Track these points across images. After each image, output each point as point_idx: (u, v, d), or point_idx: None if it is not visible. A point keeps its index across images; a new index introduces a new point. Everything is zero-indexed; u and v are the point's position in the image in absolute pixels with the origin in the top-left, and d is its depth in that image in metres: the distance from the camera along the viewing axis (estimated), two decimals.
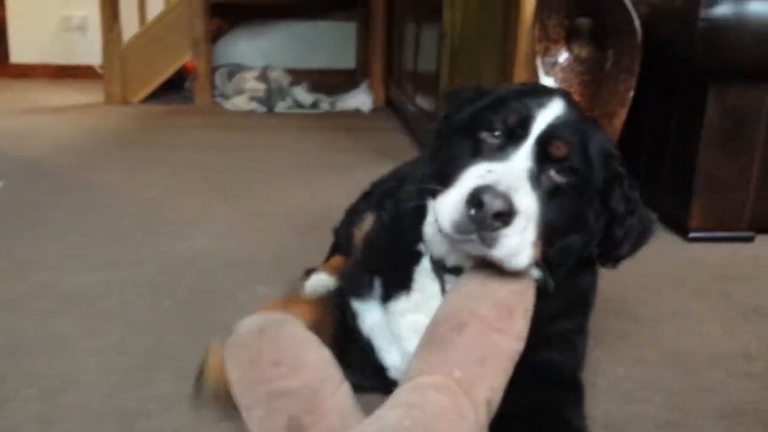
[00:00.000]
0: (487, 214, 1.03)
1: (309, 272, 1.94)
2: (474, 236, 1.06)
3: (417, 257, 1.30)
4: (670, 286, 2.08)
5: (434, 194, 1.19)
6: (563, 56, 2.60)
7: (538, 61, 2.58)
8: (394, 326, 1.31)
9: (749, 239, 2.49)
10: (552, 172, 1.15)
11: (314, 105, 5.37)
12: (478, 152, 1.18)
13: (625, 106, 2.42)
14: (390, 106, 5.45)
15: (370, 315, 1.36)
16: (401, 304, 1.30)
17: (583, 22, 2.61)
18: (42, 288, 1.90)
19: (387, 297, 1.32)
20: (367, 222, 1.87)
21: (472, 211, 1.04)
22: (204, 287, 1.93)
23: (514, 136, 1.16)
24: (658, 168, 2.69)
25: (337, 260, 1.98)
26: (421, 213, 1.29)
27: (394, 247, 1.34)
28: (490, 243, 1.06)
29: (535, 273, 1.23)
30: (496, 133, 1.18)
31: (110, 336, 1.63)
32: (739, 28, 2.19)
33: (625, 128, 2.54)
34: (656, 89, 2.69)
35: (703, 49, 2.23)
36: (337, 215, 2.11)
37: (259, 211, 2.69)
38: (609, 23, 2.49)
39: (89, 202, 2.74)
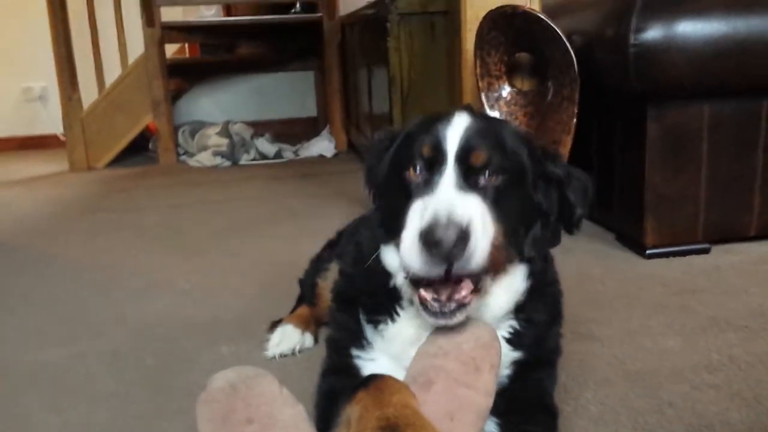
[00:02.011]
0: (448, 246, 1.04)
1: (275, 325, 1.94)
2: (445, 266, 1.07)
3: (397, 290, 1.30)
4: (629, 304, 2.10)
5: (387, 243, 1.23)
6: (506, 90, 2.68)
7: (483, 97, 2.65)
8: (396, 351, 1.30)
9: (705, 251, 2.53)
10: (482, 181, 1.18)
11: (278, 155, 5.41)
12: (409, 193, 1.19)
13: (569, 134, 2.49)
14: (352, 149, 5.52)
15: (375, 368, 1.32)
16: (398, 329, 1.29)
17: (523, 56, 2.69)
18: (1, 367, 1.88)
19: (374, 325, 1.31)
20: (332, 272, 1.88)
21: (434, 251, 1.05)
22: (167, 352, 1.92)
23: (435, 163, 1.18)
24: (609, 191, 2.75)
25: (303, 310, 1.99)
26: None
27: (369, 276, 1.34)
28: (465, 264, 1.07)
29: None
30: (418, 169, 1.20)
31: (74, 411, 1.61)
32: (669, 50, 2.26)
33: (574, 155, 2.61)
34: (599, 115, 2.77)
35: (637, 73, 2.29)
36: (303, 265, 2.13)
37: (224, 267, 2.69)
38: (547, 56, 2.57)
39: (50, 274, 2.72)
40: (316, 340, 1.91)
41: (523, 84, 2.73)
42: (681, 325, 1.94)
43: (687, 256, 2.51)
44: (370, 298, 1.32)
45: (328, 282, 1.85)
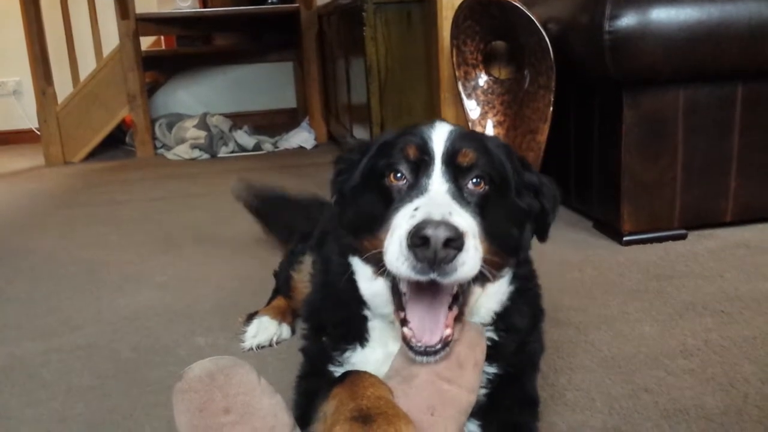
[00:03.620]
0: (437, 247, 0.98)
1: (251, 316, 1.94)
2: (434, 275, 1.01)
3: (364, 317, 1.26)
4: (607, 291, 2.12)
5: (357, 252, 1.19)
6: (483, 79, 2.68)
7: (460, 86, 2.64)
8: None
9: (682, 237, 2.56)
10: (470, 186, 1.15)
11: (257, 147, 5.38)
12: (390, 200, 1.14)
13: (546, 122, 2.49)
14: (332, 140, 5.50)
15: None
16: (366, 355, 1.26)
17: (499, 45, 2.69)
18: None
19: (340, 352, 1.28)
20: (306, 264, 1.88)
21: (419, 252, 0.99)
22: (144, 345, 1.91)
23: (421, 165, 1.14)
24: (587, 178, 2.77)
25: (279, 302, 1.98)
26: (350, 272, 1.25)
27: (336, 304, 1.30)
28: (450, 272, 1.01)
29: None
30: (400, 174, 1.15)
31: (50, 404, 1.60)
32: (644, 37, 2.28)
33: (553, 142, 2.62)
34: (576, 102, 2.78)
35: (612, 60, 2.30)
36: (280, 257, 2.12)
37: (202, 259, 2.67)
38: (523, 44, 2.57)
39: (26, 268, 2.69)
40: (293, 331, 1.90)
41: (500, 72, 2.74)
42: (657, 310, 1.95)
43: (664, 242, 2.53)
44: (336, 329, 1.29)
45: (302, 274, 1.85)
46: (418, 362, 1.12)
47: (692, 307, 1.96)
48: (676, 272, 2.24)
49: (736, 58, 2.39)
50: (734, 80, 2.48)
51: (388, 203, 1.14)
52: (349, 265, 1.24)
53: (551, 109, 2.50)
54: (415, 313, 1.12)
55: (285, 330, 1.88)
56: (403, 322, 1.13)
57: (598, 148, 2.65)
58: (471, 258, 1.02)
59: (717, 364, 1.63)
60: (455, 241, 0.99)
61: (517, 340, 1.27)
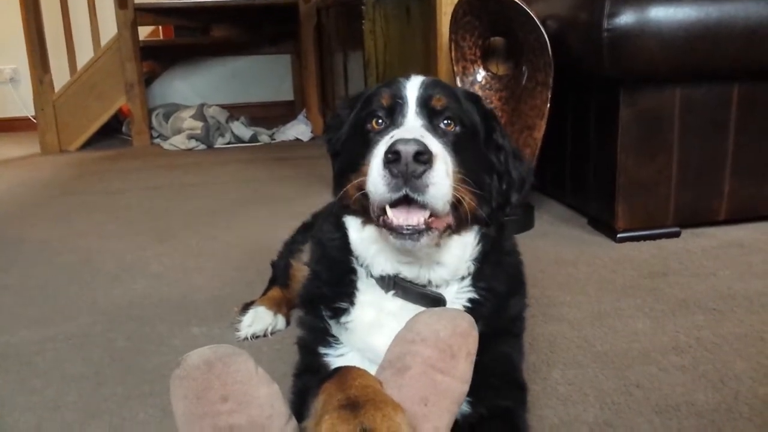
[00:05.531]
0: (408, 159, 1.08)
1: (247, 306, 1.94)
2: (405, 190, 1.11)
3: (354, 271, 1.34)
4: (600, 288, 2.12)
5: (345, 204, 1.28)
6: (481, 75, 2.68)
7: (458, 81, 2.65)
8: (360, 342, 1.31)
9: (676, 234, 2.57)
10: (442, 126, 1.25)
11: (253, 138, 5.37)
12: (369, 142, 1.24)
13: (543, 119, 2.50)
14: None
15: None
16: (358, 316, 1.31)
17: (497, 41, 2.70)
18: None
19: (337, 316, 1.33)
20: (305, 253, 1.88)
21: (393, 168, 1.09)
22: (139, 334, 1.91)
23: (397, 109, 1.25)
24: (582, 174, 2.78)
25: (276, 293, 1.99)
26: (343, 232, 1.33)
27: (332, 267, 1.37)
28: (422, 189, 1.11)
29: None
30: (380, 120, 1.27)
31: (44, 392, 1.60)
32: (642, 36, 2.28)
33: (549, 139, 2.62)
34: (574, 99, 2.79)
35: (610, 58, 2.31)
36: (277, 247, 2.12)
37: (198, 249, 2.67)
38: (521, 41, 2.57)
39: (21, 257, 2.69)
40: (288, 323, 1.91)
41: (498, 68, 2.74)
42: (650, 307, 1.97)
43: (658, 240, 2.54)
44: (330, 288, 1.35)
45: (301, 263, 1.85)
46: (399, 247, 1.20)
47: (685, 304, 1.97)
48: (669, 270, 2.25)
49: (734, 58, 2.40)
50: (731, 80, 2.49)
51: (368, 145, 1.23)
52: (340, 225, 1.34)
53: (548, 105, 2.51)
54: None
55: (280, 321, 1.89)
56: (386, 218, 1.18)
57: (595, 145, 2.66)
58: (441, 179, 1.12)
59: (708, 361, 1.64)
60: (423, 155, 1.09)
61: (495, 302, 1.33)
